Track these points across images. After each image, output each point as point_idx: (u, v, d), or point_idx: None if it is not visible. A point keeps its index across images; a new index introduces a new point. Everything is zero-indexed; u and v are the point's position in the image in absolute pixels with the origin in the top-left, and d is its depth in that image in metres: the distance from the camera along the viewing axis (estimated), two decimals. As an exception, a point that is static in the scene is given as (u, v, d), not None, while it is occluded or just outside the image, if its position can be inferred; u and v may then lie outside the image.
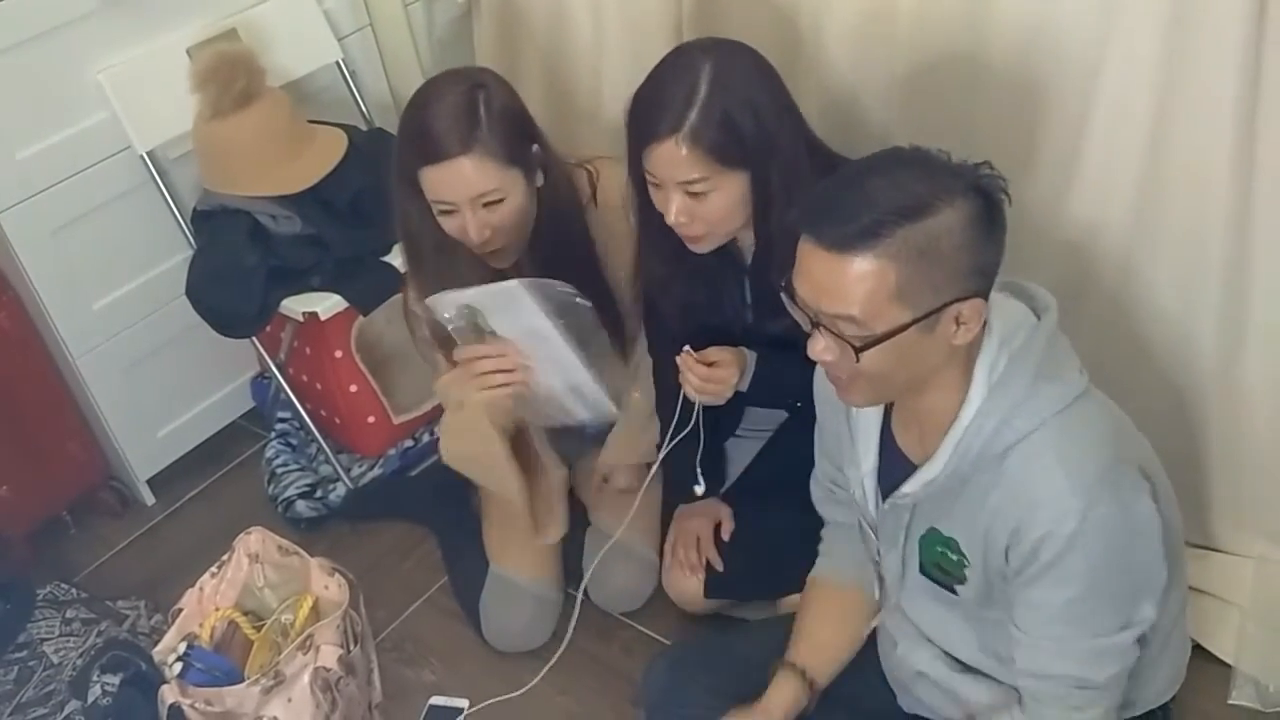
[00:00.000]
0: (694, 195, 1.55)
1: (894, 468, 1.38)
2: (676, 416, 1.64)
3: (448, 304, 1.66)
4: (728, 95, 1.51)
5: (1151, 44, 1.57)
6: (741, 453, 1.97)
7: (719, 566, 1.86)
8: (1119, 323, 1.80)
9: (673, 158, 1.52)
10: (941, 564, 1.37)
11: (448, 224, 1.71)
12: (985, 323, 1.25)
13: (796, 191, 1.53)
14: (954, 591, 1.38)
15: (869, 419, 1.40)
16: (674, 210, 1.56)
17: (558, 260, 1.77)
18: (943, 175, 1.20)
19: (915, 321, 1.19)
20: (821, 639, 1.57)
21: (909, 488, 1.34)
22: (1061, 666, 1.28)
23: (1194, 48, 1.54)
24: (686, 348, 1.62)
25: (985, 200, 1.20)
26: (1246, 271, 1.66)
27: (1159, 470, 1.34)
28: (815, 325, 1.24)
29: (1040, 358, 1.25)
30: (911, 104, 1.86)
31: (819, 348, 1.25)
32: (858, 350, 1.20)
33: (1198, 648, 1.68)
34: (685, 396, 1.63)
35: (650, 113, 1.54)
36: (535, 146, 1.72)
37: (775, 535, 1.67)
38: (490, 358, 1.69)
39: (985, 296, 1.22)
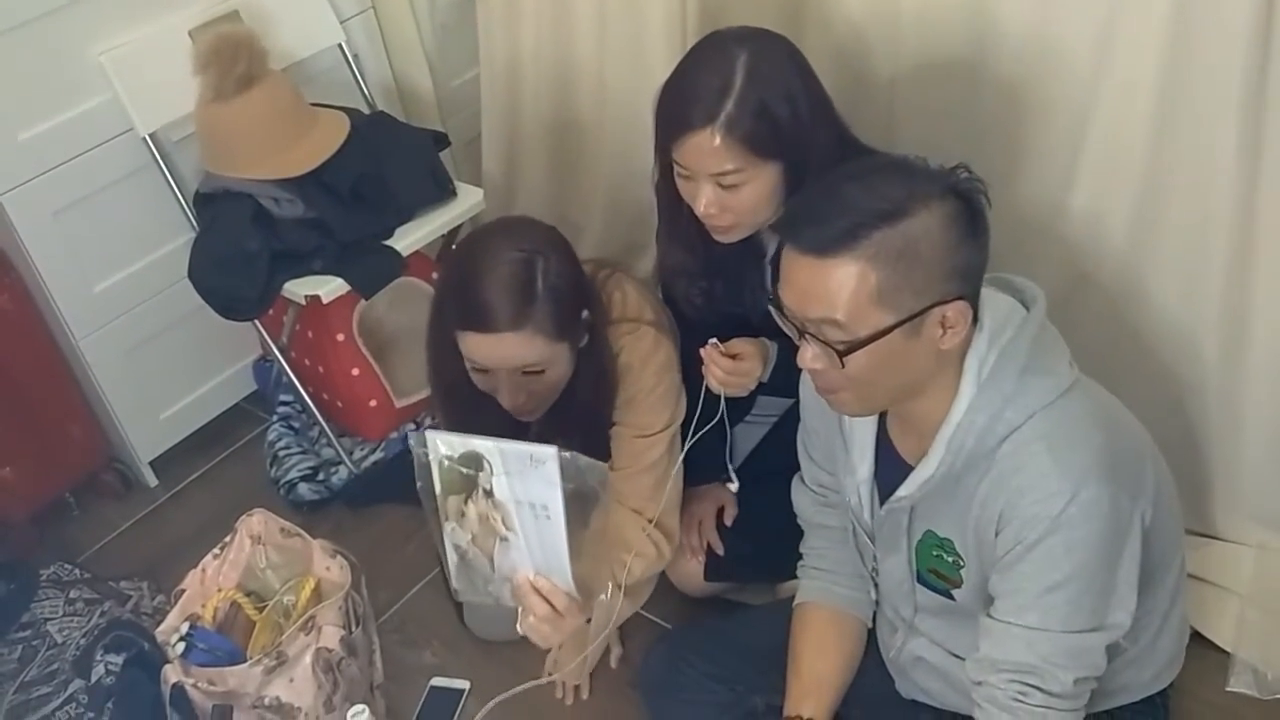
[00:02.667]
0: (726, 187, 1.53)
1: (891, 472, 1.38)
2: (700, 409, 1.61)
3: (454, 444, 1.36)
4: (764, 85, 1.49)
5: (1156, 36, 1.57)
6: (747, 438, 1.97)
7: (719, 550, 1.87)
8: (1121, 314, 1.80)
9: (707, 148, 1.50)
10: (937, 568, 1.37)
11: (480, 380, 1.60)
12: (976, 320, 1.25)
13: None
14: (951, 597, 1.38)
15: (863, 425, 1.40)
16: (704, 201, 1.55)
17: (583, 414, 1.68)
18: (919, 179, 1.21)
19: (899, 324, 1.19)
20: (821, 673, 1.52)
21: (905, 490, 1.34)
22: (1026, 656, 1.25)
23: (1199, 41, 1.54)
24: (713, 340, 1.60)
25: (963, 203, 1.20)
26: (1249, 264, 1.66)
27: (1157, 457, 1.34)
28: (802, 335, 1.24)
29: (1028, 352, 1.26)
30: (914, 99, 1.86)
31: (807, 357, 1.25)
32: (842, 355, 1.20)
33: (1196, 635, 1.69)
34: (708, 388, 1.61)
35: (683, 103, 1.51)
36: (585, 313, 1.60)
37: (777, 520, 1.67)
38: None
39: (970, 299, 1.22)
